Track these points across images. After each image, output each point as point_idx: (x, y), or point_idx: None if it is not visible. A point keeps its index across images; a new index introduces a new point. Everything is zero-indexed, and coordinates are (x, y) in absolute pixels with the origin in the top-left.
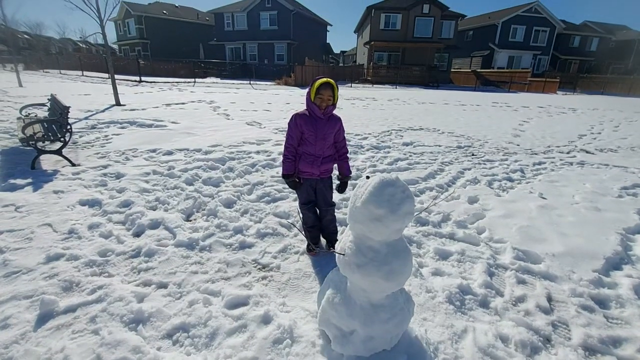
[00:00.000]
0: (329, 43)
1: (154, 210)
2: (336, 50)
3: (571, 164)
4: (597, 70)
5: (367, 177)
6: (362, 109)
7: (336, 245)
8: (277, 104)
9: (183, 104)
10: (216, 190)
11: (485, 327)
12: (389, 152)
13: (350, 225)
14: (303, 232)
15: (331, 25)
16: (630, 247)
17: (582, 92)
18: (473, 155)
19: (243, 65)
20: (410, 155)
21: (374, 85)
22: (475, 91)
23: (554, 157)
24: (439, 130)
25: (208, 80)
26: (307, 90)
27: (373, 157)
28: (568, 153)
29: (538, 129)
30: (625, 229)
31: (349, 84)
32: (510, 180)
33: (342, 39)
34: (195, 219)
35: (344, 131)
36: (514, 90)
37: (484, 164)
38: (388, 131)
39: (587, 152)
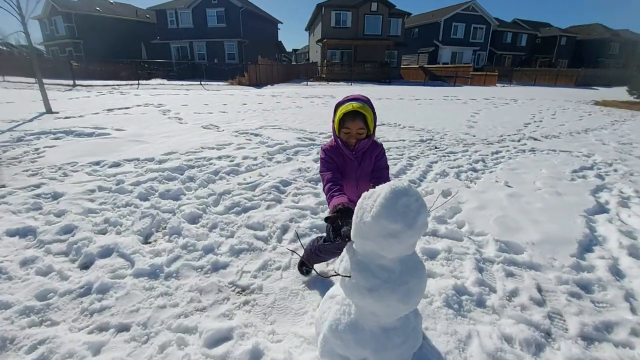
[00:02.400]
0: (280, 41)
1: (104, 234)
2: (288, 49)
3: (524, 151)
4: (527, 64)
5: (373, 186)
6: (322, 106)
7: (336, 264)
8: (233, 105)
9: (127, 108)
10: (177, 204)
11: (488, 329)
12: None
13: (357, 243)
14: (304, 255)
15: (282, 22)
16: (595, 229)
17: (517, 84)
18: (436, 148)
19: (192, 65)
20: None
21: (329, 83)
22: (425, 86)
23: (508, 146)
24: (399, 125)
25: (153, 81)
26: (333, 115)
27: None
28: (519, 141)
29: (488, 119)
30: (586, 210)
31: (305, 82)
32: (475, 170)
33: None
34: (155, 241)
35: (386, 159)
36: (459, 84)
37: (448, 156)
38: None
39: (535, 139)
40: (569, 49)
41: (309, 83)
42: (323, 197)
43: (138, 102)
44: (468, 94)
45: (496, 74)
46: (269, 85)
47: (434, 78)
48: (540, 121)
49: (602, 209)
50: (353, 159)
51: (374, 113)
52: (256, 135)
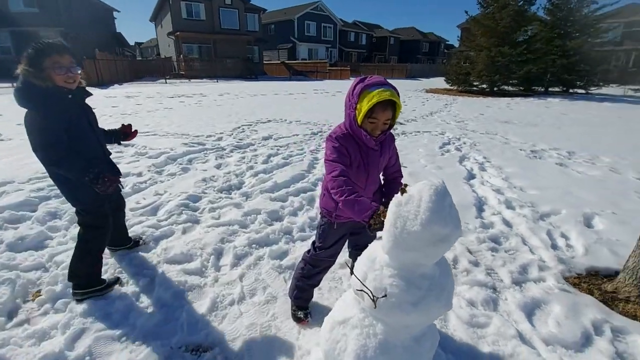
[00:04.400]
0: (120, 33)
1: None
2: (130, 42)
3: (398, 134)
4: (369, 60)
5: (404, 191)
6: (196, 107)
7: (353, 287)
8: None
9: None
10: (45, 254)
11: (455, 300)
12: (256, 150)
13: (394, 256)
14: (292, 293)
15: (118, 11)
16: (476, 192)
17: None
18: None
19: None
20: (279, 149)
21: (192, 80)
22: (291, 81)
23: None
24: (286, 120)
25: None
26: (348, 101)
27: (243, 158)
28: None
29: None
30: (464, 178)
31: (163, 80)
32: None
33: (135, 28)
34: (32, 318)
35: (397, 154)
36: (320, 78)
37: None
38: (239, 127)
39: (401, 123)
40: (396, 48)
41: (168, 81)
42: (248, 207)
43: None
44: (333, 87)
45: (348, 69)
46: (116, 85)
47: (296, 73)
48: None
49: (471, 175)
50: (376, 147)
51: (401, 107)
52: (127, 145)
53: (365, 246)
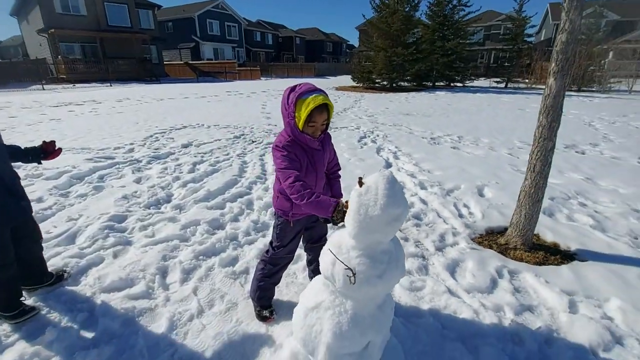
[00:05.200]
0: None
1: None
2: None
3: None
4: (277, 59)
5: (362, 183)
6: (92, 115)
7: (327, 271)
8: None
9: None
10: None
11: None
12: (178, 159)
13: (359, 238)
14: (255, 294)
15: None
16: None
17: (276, 76)
18: (254, 142)
19: None
20: (203, 156)
21: (77, 85)
22: (199, 82)
23: None
24: (203, 125)
25: None
26: (285, 110)
27: (165, 169)
28: None
29: (276, 109)
30: (383, 166)
31: (40, 86)
32: None
33: None
34: None
35: (335, 150)
36: (229, 79)
37: (270, 146)
38: (151, 136)
39: None
40: (302, 47)
41: (45, 87)
42: (185, 220)
43: None
44: (246, 88)
45: (259, 69)
46: None
47: (203, 74)
48: None
49: (388, 163)
50: (319, 147)
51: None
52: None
53: (320, 239)
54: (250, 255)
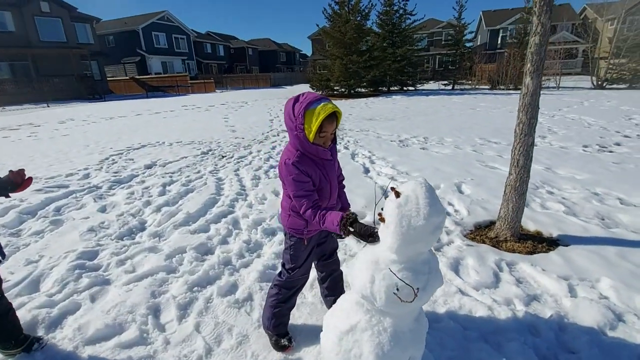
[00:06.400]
0: None
1: None
2: None
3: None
4: (230, 71)
5: (397, 193)
6: (31, 141)
7: (364, 289)
8: None
9: None
10: None
11: None
12: (144, 182)
13: (402, 252)
14: (270, 323)
15: None
16: (377, 182)
17: (232, 88)
18: (224, 157)
19: None
20: (172, 176)
21: (6, 108)
22: (150, 98)
23: (275, 140)
24: (164, 142)
25: None
26: (291, 123)
27: (132, 193)
28: (278, 135)
29: (240, 122)
30: (362, 172)
31: None
32: (273, 166)
33: None
34: None
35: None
36: (182, 93)
37: (242, 160)
38: (107, 158)
39: (285, 130)
40: (256, 58)
41: None
42: (168, 248)
43: None
44: (202, 101)
45: (213, 81)
46: None
47: (153, 89)
48: (277, 116)
49: (366, 168)
50: (330, 157)
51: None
52: None
53: (332, 254)
54: (250, 279)
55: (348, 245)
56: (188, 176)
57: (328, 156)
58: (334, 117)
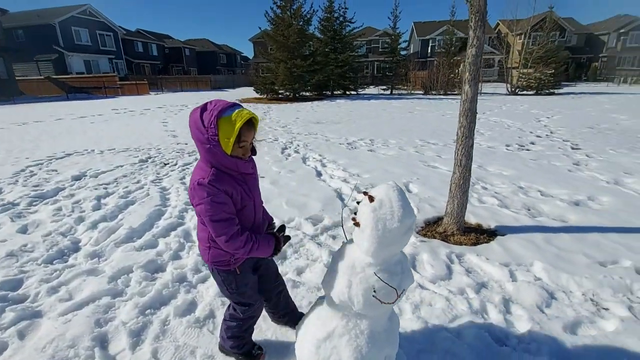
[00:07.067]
0: None
1: None
2: None
3: None
4: (166, 72)
5: (371, 197)
6: None
7: (341, 295)
8: None
9: None
10: None
11: None
12: (73, 195)
13: (376, 255)
14: (232, 345)
15: None
16: (330, 185)
17: (168, 90)
18: (166, 164)
19: None
20: (106, 187)
21: None
22: (71, 100)
23: None
24: (94, 150)
25: None
26: (202, 136)
27: (60, 210)
28: None
29: (181, 125)
30: (315, 175)
31: None
32: None
33: None
34: None
35: None
36: (111, 95)
37: (188, 167)
38: (23, 170)
39: None
40: (193, 59)
41: None
42: (110, 270)
43: None
44: (135, 104)
45: (146, 82)
46: None
47: (75, 90)
48: None
49: (318, 172)
50: (251, 170)
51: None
52: None
53: (277, 276)
54: (210, 295)
55: (310, 250)
56: (126, 187)
57: (249, 169)
58: (251, 124)
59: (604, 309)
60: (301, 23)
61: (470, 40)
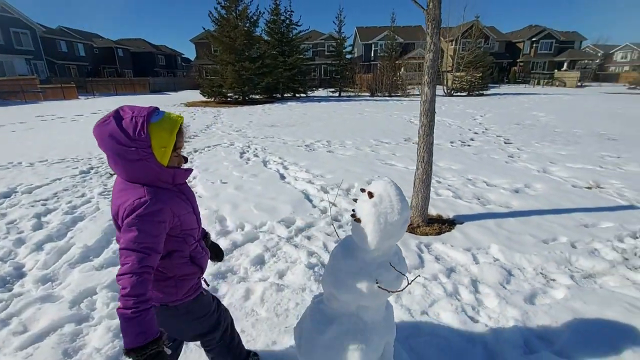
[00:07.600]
0: None
1: None
2: None
3: (190, 153)
4: (96, 74)
5: (370, 193)
6: None
7: (338, 290)
8: None
9: None
10: None
11: None
12: (6, 215)
13: (377, 248)
14: None
15: None
16: (297, 187)
17: (100, 95)
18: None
19: None
20: (45, 204)
21: None
22: None
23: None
24: (21, 163)
25: None
26: (129, 149)
27: (18, 221)
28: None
29: None
30: (280, 178)
31: None
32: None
33: None
34: None
35: None
36: (32, 100)
37: None
38: None
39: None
40: (128, 60)
41: None
42: (68, 295)
43: None
44: (64, 110)
45: (74, 85)
46: None
47: None
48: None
49: (281, 175)
50: (186, 180)
51: None
52: None
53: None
54: None
55: (288, 253)
56: (70, 202)
57: (185, 179)
58: (181, 128)
59: (552, 280)
60: (247, 25)
61: (428, 45)
